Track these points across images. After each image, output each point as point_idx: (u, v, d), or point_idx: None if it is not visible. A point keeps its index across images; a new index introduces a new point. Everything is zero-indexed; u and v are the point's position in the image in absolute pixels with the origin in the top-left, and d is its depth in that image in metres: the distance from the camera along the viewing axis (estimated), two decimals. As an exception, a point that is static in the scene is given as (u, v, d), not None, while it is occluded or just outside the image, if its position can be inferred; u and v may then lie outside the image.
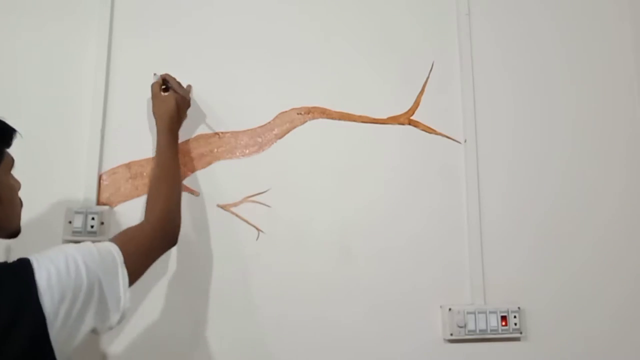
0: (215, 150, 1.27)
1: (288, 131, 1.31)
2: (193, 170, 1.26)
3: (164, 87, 1.19)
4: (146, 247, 0.93)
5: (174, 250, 1.19)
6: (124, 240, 0.89)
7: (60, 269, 0.74)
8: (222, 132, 1.28)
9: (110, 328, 0.83)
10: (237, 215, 1.25)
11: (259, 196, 1.26)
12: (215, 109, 1.29)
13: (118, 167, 1.23)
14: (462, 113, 1.38)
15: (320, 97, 1.33)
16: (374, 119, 1.34)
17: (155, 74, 1.22)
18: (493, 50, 1.44)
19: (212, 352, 1.18)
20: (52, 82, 1.25)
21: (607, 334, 1.34)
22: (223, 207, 1.25)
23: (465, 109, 1.38)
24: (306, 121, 1.32)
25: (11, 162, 0.84)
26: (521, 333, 1.28)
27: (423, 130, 1.36)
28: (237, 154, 1.28)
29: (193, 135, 1.27)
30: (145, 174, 1.24)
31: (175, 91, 1.18)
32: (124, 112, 1.25)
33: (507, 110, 1.41)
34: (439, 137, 1.36)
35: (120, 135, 1.25)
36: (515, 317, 1.27)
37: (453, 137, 1.37)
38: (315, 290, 1.24)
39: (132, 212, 1.21)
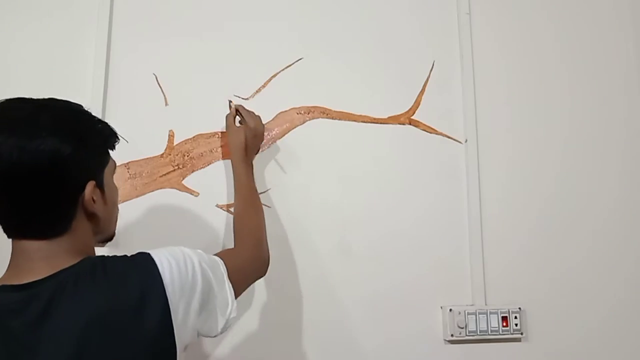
0: (215, 150, 1.27)
1: (288, 131, 1.30)
2: (193, 170, 1.25)
3: (238, 119, 1.20)
4: (245, 268, 0.96)
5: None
6: (226, 257, 0.89)
7: (180, 266, 0.76)
8: (222, 132, 1.28)
9: (214, 335, 0.83)
10: (236, 216, 1.24)
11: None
12: (215, 109, 1.28)
13: (117, 167, 1.21)
14: (463, 113, 1.37)
15: (320, 97, 1.33)
16: (375, 119, 1.34)
17: (230, 103, 1.22)
18: (494, 50, 1.43)
19: (211, 351, 1.18)
20: (51, 82, 1.24)
21: (608, 334, 1.33)
22: (222, 207, 1.24)
23: (466, 109, 1.37)
24: (306, 121, 1.31)
25: (114, 165, 0.84)
26: (522, 334, 1.28)
27: (424, 130, 1.36)
28: (225, 151, 1.27)
29: (193, 135, 1.27)
30: (144, 173, 1.23)
31: (246, 123, 1.18)
32: (123, 112, 1.25)
33: (508, 110, 1.41)
34: (440, 137, 1.36)
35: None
36: (516, 317, 1.27)
37: (454, 137, 1.36)
38: (315, 290, 1.24)
39: (131, 212, 1.20)
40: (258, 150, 1.23)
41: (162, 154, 1.25)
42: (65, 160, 0.70)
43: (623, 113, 1.46)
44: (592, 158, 1.42)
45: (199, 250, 0.83)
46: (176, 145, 1.26)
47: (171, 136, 1.26)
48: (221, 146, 1.26)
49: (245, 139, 1.16)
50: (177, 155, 1.26)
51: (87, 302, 0.68)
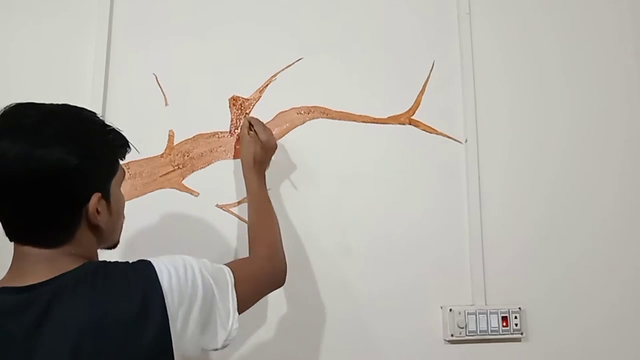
0: (215, 150, 1.27)
1: (288, 131, 1.30)
2: (193, 170, 1.25)
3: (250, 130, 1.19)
4: (256, 279, 0.93)
5: (171, 252, 1.18)
6: (235, 266, 0.87)
7: (180, 273, 0.74)
8: (221, 132, 1.28)
9: (215, 348, 0.80)
10: (236, 216, 1.24)
11: (258, 196, 1.25)
12: (215, 109, 1.28)
13: (117, 167, 1.22)
14: (463, 113, 1.37)
15: (320, 97, 1.33)
16: (375, 119, 1.34)
17: (246, 114, 1.25)
18: (494, 50, 1.43)
19: (211, 351, 1.18)
20: (51, 82, 1.24)
21: (608, 334, 1.33)
22: (222, 207, 1.24)
23: (466, 109, 1.37)
24: (306, 121, 1.31)
25: (123, 175, 0.83)
26: (522, 334, 1.28)
27: (424, 130, 1.36)
28: (237, 153, 1.27)
29: (193, 135, 1.27)
30: (144, 173, 1.23)
31: (257, 135, 1.17)
32: (123, 112, 1.25)
33: (508, 110, 1.41)
34: (440, 136, 1.36)
35: (119, 135, 1.24)
36: (516, 317, 1.27)
37: (454, 137, 1.36)
38: (315, 290, 1.24)
39: (131, 212, 1.18)
40: (269, 163, 1.22)
41: (162, 154, 1.25)
42: (70, 172, 0.69)
43: (623, 113, 1.46)
44: (592, 158, 1.42)
45: (204, 259, 0.82)
46: (176, 145, 1.26)
47: (171, 136, 1.26)
48: (235, 148, 1.26)
49: (254, 151, 1.15)
50: (177, 155, 1.26)
51: (85, 308, 0.67)
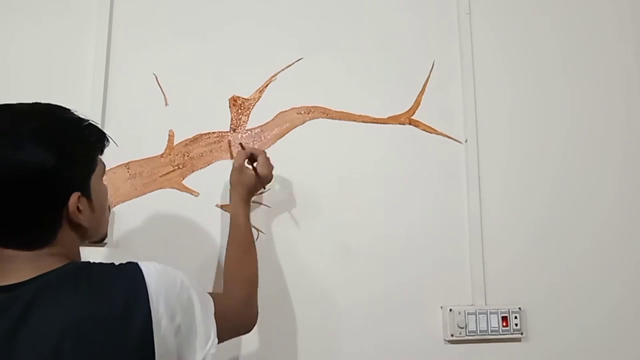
0: (215, 150, 1.27)
1: (288, 131, 1.30)
2: (193, 170, 1.25)
3: (249, 160, 1.17)
4: (231, 318, 0.88)
5: (171, 252, 1.18)
6: (216, 299, 0.83)
7: (169, 279, 0.73)
8: (221, 132, 1.28)
9: None
10: (236, 216, 1.24)
11: (259, 196, 1.25)
12: (215, 109, 1.28)
13: (117, 167, 1.22)
14: (463, 113, 1.37)
15: (320, 97, 1.33)
16: (375, 119, 1.34)
17: (241, 144, 1.21)
18: (494, 50, 1.43)
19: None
20: (51, 83, 1.24)
21: (608, 334, 1.33)
22: (222, 207, 1.24)
23: (466, 109, 1.37)
24: (306, 121, 1.31)
25: (103, 169, 0.82)
26: (522, 334, 1.28)
27: (424, 130, 1.36)
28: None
29: (193, 135, 1.27)
30: (144, 173, 1.23)
31: (259, 168, 1.14)
32: (123, 112, 1.25)
33: (508, 110, 1.41)
34: (440, 136, 1.36)
35: (118, 135, 1.23)
36: (516, 317, 1.27)
37: (454, 137, 1.36)
38: (315, 291, 1.24)
39: (131, 212, 1.20)
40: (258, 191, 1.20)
41: (162, 154, 1.25)
42: (48, 173, 0.68)
43: (623, 113, 1.46)
44: (592, 158, 1.42)
45: (194, 281, 0.80)
46: (176, 145, 1.26)
47: (171, 136, 1.26)
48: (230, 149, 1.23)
49: (250, 183, 1.13)
50: (177, 155, 1.26)
51: (68, 308, 0.65)
